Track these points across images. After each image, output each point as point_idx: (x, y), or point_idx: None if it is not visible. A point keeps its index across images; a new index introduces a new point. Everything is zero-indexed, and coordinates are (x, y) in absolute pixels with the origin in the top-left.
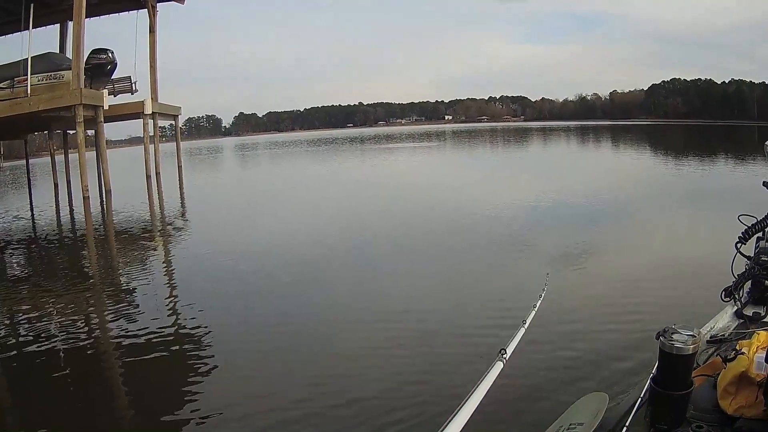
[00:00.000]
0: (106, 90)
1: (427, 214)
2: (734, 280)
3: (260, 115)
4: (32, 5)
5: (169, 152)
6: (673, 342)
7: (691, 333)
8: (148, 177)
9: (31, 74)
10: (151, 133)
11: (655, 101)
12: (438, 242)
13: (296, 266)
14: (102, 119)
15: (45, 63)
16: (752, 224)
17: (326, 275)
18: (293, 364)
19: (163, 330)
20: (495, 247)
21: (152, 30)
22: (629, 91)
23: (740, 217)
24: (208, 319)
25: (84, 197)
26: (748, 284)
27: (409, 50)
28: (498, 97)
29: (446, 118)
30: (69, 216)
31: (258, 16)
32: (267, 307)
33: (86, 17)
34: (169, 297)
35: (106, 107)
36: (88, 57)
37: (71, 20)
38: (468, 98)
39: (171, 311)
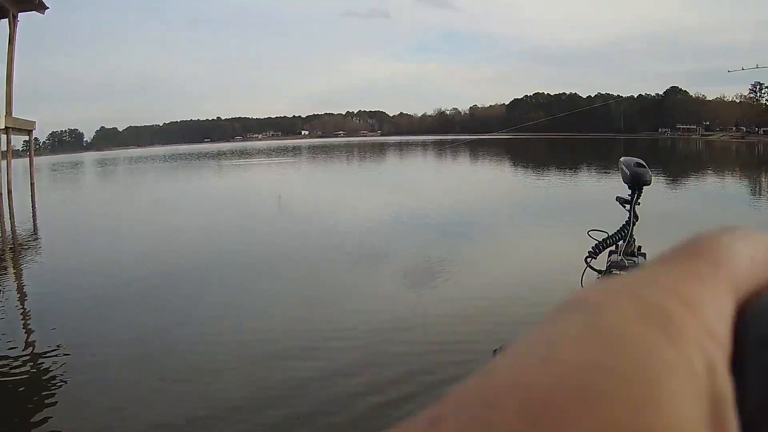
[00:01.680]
0: None
1: (283, 231)
2: None
3: (120, 130)
4: None
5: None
6: None
7: None
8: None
9: None
10: (4, 149)
11: (516, 115)
12: (290, 257)
13: (143, 283)
14: None
15: None
16: (603, 239)
17: (174, 291)
18: (147, 378)
19: (8, 352)
20: (346, 264)
21: (11, 41)
22: (490, 105)
23: (590, 233)
24: (55, 337)
25: None
26: None
27: (269, 66)
28: (355, 112)
29: (303, 133)
30: None
31: (119, 31)
32: (117, 323)
33: None
34: (14, 317)
35: None
36: None
37: None
38: (325, 113)
39: (15, 331)
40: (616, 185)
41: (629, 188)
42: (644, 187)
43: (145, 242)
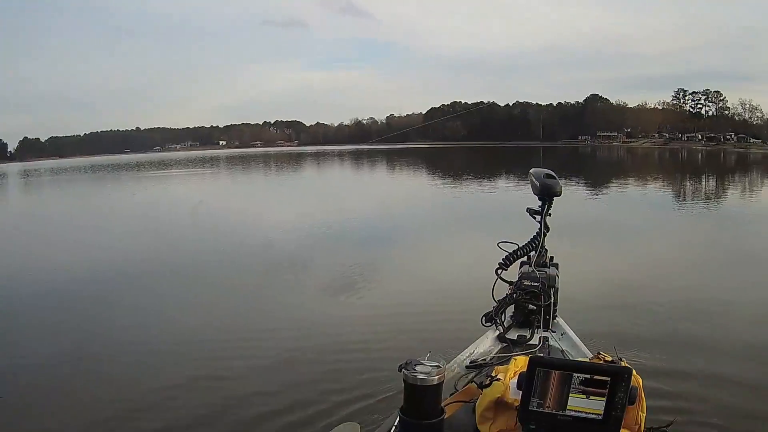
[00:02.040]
0: None
1: (198, 242)
2: (494, 305)
3: (43, 140)
4: None
5: None
6: (416, 374)
7: (436, 364)
8: None
9: None
10: None
11: (434, 124)
12: (203, 269)
13: (49, 297)
14: None
15: None
16: (513, 250)
17: (77, 306)
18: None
19: None
20: (266, 273)
21: None
22: (407, 114)
23: (500, 244)
24: None
25: None
26: (511, 309)
27: (187, 75)
28: (273, 122)
29: (221, 143)
30: None
31: (40, 39)
32: (19, 337)
33: None
34: None
35: None
36: None
37: None
38: (243, 123)
39: None
40: (531, 194)
41: (539, 199)
42: (555, 198)
43: (58, 255)
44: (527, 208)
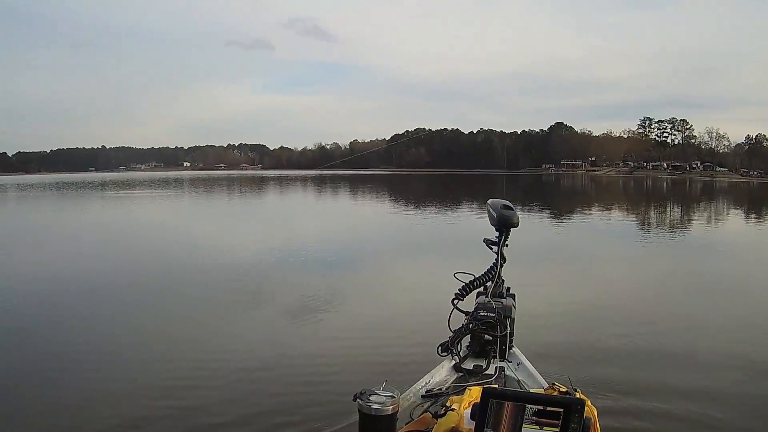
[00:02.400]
0: None
1: (162, 265)
2: (450, 335)
3: (10, 155)
4: None
5: None
6: (370, 404)
7: (391, 394)
8: None
9: None
10: None
11: (396, 150)
12: (160, 293)
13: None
14: None
15: None
16: (470, 281)
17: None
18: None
19: None
20: (221, 298)
21: None
22: (370, 140)
23: (456, 275)
24: None
25: None
26: (467, 339)
27: (152, 95)
28: (237, 145)
29: (185, 165)
30: None
31: (4, 53)
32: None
33: None
34: None
35: None
36: None
37: None
38: (207, 145)
39: None
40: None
41: (497, 230)
42: (512, 229)
43: (14, 275)
44: (484, 239)
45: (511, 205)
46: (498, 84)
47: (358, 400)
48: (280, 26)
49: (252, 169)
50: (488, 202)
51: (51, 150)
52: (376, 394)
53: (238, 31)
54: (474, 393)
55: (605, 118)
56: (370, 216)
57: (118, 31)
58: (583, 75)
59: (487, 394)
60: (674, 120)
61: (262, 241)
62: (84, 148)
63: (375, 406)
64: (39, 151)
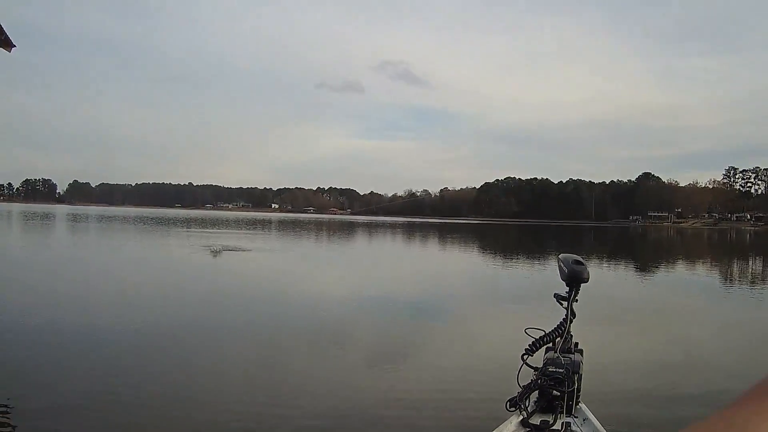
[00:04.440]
0: None
1: (249, 307)
2: (519, 390)
3: (93, 186)
4: None
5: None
6: None
7: None
8: None
9: None
10: None
11: (486, 199)
12: (245, 334)
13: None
14: None
15: None
16: (540, 336)
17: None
18: None
19: None
20: (303, 343)
21: None
22: (461, 188)
23: (527, 330)
24: None
25: None
26: (535, 394)
27: (242, 134)
28: (326, 189)
29: (273, 206)
30: None
31: (96, 82)
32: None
33: None
34: None
35: None
36: None
37: None
38: (296, 187)
39: None
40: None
41: (567, 285)
42: (582, 285)
43: (101, 305)
44: (554, 294)
45: (582, 261)
46: (585, 132)
47: None
48: (370, 69)
49: (341, 214)
50: (559, 256)
51: (135, 183)
52: None
53: (329, 73)
54: None
55: (691, 168)
56: (454, 266)
57: (207, 68)
58: (669, 123)
59: None
60: (758, 169)
61: (347, 286)
62: (170, 183)
63: None
64: (123, 183)
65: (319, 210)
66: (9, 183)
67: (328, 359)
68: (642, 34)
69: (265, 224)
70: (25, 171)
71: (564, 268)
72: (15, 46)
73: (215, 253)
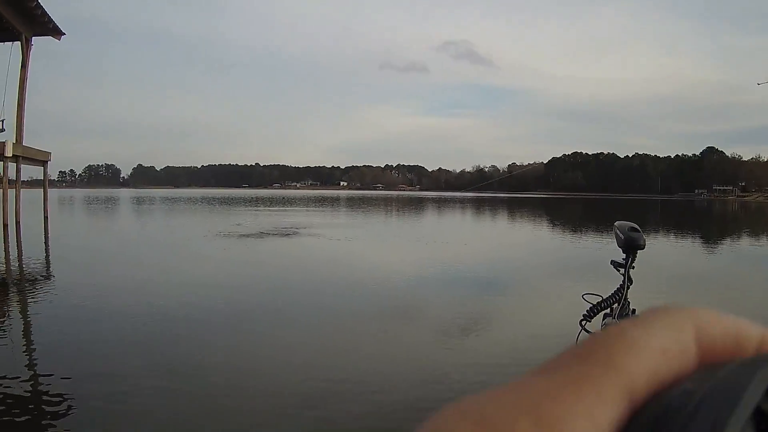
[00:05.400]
0: None
1: (317, 279)
2: None
3: (158, 169)
4: None
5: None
6: None
7: None
8: (5, 226)
9: None
10: (12, 178)
11: (554, 174)
12: (319, 305)
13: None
14: None
15: None
16: (598, 302)
17: (199, 332)
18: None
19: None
20: (371, 315)
21: (24, 65)
22: (528, 163)
23: (584, 296)
24: (60, 373)
25: None
26: None
27: (308, 115)
28: (394, 166)
29: (341, 184)
30: None
31: (156, 73)
32: (133, 362)
33: None
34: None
35: None
36: None
37: None
38: (364, 165)
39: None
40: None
41: (623, 252)
42: (638, 252)
43: (175, 284)
44: (611, 261)
45: (638, 228)
46: (650, 108)
47: None
48: (433, 50)
49: (410, 190)
50: (615, 224)
51: (201, 165)
52: None
53: (393, 54)
54: None
55: (754, 143)
56: (523, 238)
57: (270, 53)
58: (731, 98)
59: None
60: None
61: (416, 260)
62: (237, 164)
63: None
64: (188, 166)
65: (388, 187)
66: (71, 169)
67: (397, 331)
68: (703, 12)
69: (333, 202)
70: (88, 158)
71: (620, 235)
72: (64, 34)
73: (285, 231)
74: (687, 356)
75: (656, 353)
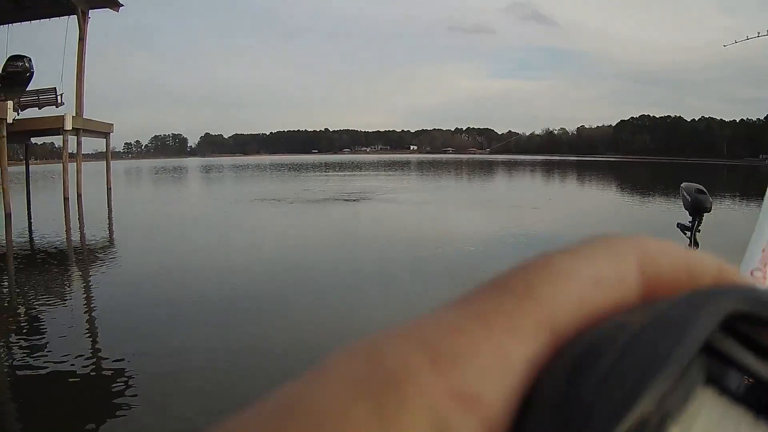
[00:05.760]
0: (10, 102)
1: (395, 244)
2: None
3: (226, 137)
4: None
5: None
6: None
7: None
8: (66, 199)
9: None
10: (72, 151)
11: (622, 137)
12: (395, 264)
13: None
14: (4, 134)
15: None
16: None
17: (262, 306)
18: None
19: (69, 363)
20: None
21: (82, 38)
22: (597, 126)
23: None
24: (122, 350)
25: None
26: None
27: (376, 80)
28: (464, 129)
29: (411, 148)
30: None
31: (220, 41)
32: (196, 338)
33: (10, 22)
34: (73, 327)
35: (9, 120)
36: (4, 64)
37: (2, 23)
38: (434, 129)
39: (76, 342)
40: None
41: (690, 215)
42: (704, 215)
43: (240, 256)
44: (677, 223)
45: (705, 190)
46: (717, 72)
47: None
48: (499, 11)
49: (480, 154)
50: (682, 185)
51: (270, 132)
52: None
53: (459, 16)
54: None
55: None
56: (594, 201)
57: (335, 19)
58: None
59: None
60: None
61: (494, 223)
62: (306, 130)
63: None
64: (257, 133)
65: (458, 150)
66: (137, 140)
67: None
68: None
69: (404, 166)
70: (154, 128)
71: (687, 197)
72: (122, 5)
73: (355, 196)
74: (626, 287)
75: (586, 283)
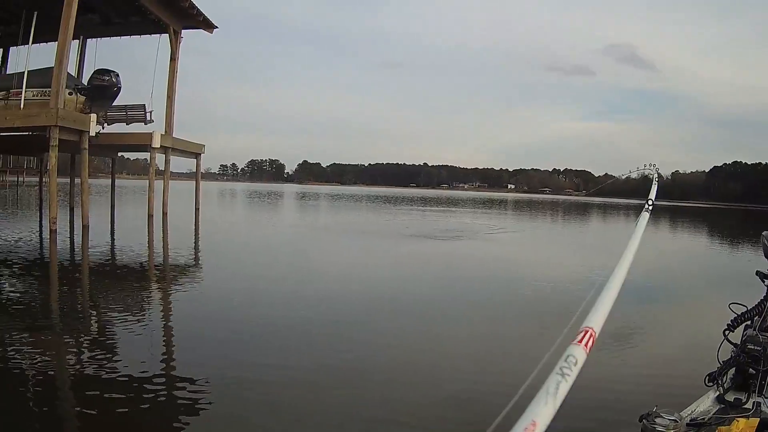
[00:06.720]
0: (94, 115)
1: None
2: (719, 365)
3: (324, 165)
4: (35, 18)
5: (227, 189)
6: (655, 425)
7: (673, 418)
8: (151, 216)
9: (26, 88)
10: (161, 168)
11: (715, 183)
12: (466, 301)
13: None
14: (86, 146)
15: (42, 78)
16: (742, 312)
17: (340, 330)
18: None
19: (145, 376)
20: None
21: (173, 58)
22: (691, 172)
23: (731, 305)
24: (196, 368)
25: (51, 230)
26: (732, 371)
27: (476, 118)
28: (562, 170)
29: (509, 186)
30: (40, 248)
31: (316, 71)
32: (269, 359)
33: (104, 37)
34: (149, 343)
35: (92, 133)
36: (90, 77)
37: (90, 37)
38: (532, 168)
39: (150, 359)
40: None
41: None
42: None
43: (328, 283)
44: (756, 271)
45: None
46: None
47: (643, 420)
48: (598, 53)
49: (576, 195)
50: (763, 233)
51: (369, 164)
52: (661, 416)
53: (557, 56)
54: (741, 425)
55: None
56: (681, 249)
57: (431, 52)
58: None
59: (763, 425)
60: None
61: (583, 266)
62: (404, 164)
63: (659, 428)
64: (356, 164)
65: (555, 191)
66: (233, 163)
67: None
68: None
69: (501, 203)
70: (250, 152)
71: (767, 244)
72: (216, 27)
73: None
74: None
75: None
